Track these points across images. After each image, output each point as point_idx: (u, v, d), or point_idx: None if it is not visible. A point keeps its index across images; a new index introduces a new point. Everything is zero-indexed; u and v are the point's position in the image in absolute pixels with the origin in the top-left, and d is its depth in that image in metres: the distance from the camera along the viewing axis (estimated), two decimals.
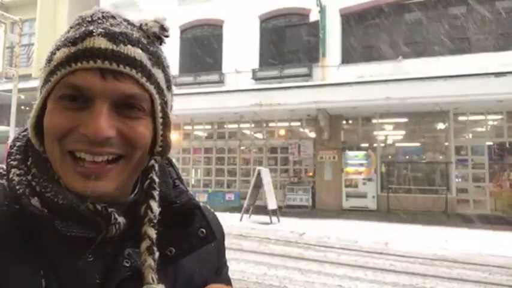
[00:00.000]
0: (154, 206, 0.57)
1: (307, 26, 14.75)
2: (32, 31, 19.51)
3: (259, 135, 15.59)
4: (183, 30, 16.31)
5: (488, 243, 8.17)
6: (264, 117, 14.31)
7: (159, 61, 0.58)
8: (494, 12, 13.08)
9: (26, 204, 0.51)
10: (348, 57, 14.17)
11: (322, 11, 14.04)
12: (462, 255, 7.22)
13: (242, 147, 15.62)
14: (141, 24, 0.58)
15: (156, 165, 0.59)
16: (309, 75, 14.14)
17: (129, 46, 0.53)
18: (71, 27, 0.56)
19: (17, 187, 0.53)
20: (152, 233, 0.56)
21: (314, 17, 14.42)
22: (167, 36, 0.60)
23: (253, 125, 15.30)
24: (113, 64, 0.51)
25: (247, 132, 15.72)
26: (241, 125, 15.41)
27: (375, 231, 9.46)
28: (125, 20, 0.57)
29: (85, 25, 0.54)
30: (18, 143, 0.59)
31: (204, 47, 15.95)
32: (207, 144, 15.90)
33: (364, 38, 14.42)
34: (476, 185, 13.01)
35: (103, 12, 0.56)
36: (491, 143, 13.05)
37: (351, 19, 14.33)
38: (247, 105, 12.95)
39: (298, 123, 14.84)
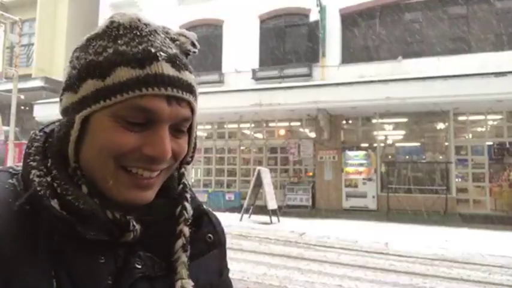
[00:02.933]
0: (189, 207, 0.64)
1: (307, 26, 14.75)
2: (32, 31, 19.49)
3: (259, 135, 15.57)
4: None
5: (488, 243, 8.18)
6: (264, 117, 14.31)
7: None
8: (494, 12, 13.08)
9: (46, 206, 0.52)
10: (348, 57, 14.17)
11: (322, 11, 14.04)
12: (462, 255, 7.23)
13: (242, 147, 15.62)
14: (174, 39, 0.61)
15: (186, 172, 0.66)
16: (309, 75, 14.14)
17: (187, 72, 0.57)
18: (116, 39, 0.54)
19: (38, 188, 0.53)
20: (187, 231, 0.61)
21: (314, 17, 14.42)
22: (195, 52, 0.64)
23: (253, 125, 15.29)
24: (178, 91, 0.55)
25: (247, 132, 15.71)
26: (241, 125, 15.40)
27: (375, 231, 9.46)
28: (163, 32, 0.59)
29: (137, 40, 0.55)
30: (36, 144, 0.58)
31: (203, 47, 15.87)
32: (207, 144, 15.88)
33: (364, 38, 14.42)
34: (476, 185, 13.00)
35: (145, 24, 0.57)
36: (491, 143, 13.05)
37: (350, 19, 14.33)
38: (247, 105, 12.94)
39: (298, 123, 14.83)
